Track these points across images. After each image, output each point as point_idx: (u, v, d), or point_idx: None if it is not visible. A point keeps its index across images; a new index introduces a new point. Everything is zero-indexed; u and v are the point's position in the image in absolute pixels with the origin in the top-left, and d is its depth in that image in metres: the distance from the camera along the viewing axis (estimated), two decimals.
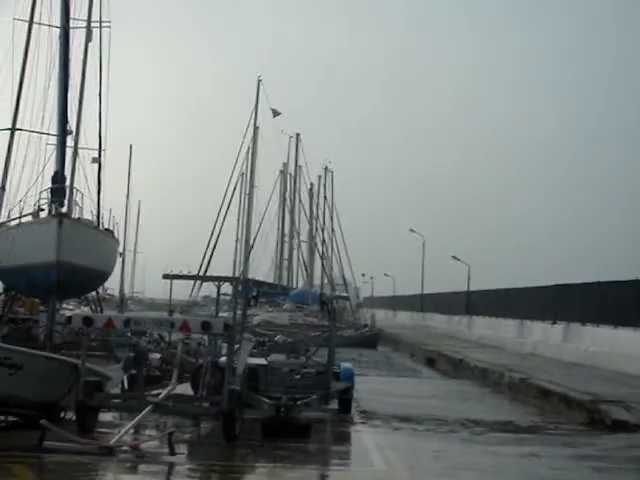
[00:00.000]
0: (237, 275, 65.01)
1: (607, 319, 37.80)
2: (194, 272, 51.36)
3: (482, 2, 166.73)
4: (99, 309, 31.81)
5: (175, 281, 26.54)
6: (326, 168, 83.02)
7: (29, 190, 30.33)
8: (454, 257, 79.32)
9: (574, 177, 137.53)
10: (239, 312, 22.23)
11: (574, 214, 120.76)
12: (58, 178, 29.75)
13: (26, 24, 29.10)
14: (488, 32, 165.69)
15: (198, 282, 49.10)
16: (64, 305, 32.26)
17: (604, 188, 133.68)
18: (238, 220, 75.42)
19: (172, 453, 15.39)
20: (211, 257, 68.45)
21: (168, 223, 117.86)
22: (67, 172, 30.16)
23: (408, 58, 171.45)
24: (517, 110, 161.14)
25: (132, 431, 16.39)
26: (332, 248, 79.08)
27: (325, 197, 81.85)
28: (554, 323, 44.51)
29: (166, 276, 25.53)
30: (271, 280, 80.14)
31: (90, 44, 33.81)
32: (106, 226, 33.88)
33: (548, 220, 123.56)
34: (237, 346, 19.45)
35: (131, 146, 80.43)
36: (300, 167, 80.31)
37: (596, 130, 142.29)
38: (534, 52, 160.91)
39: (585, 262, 76.61)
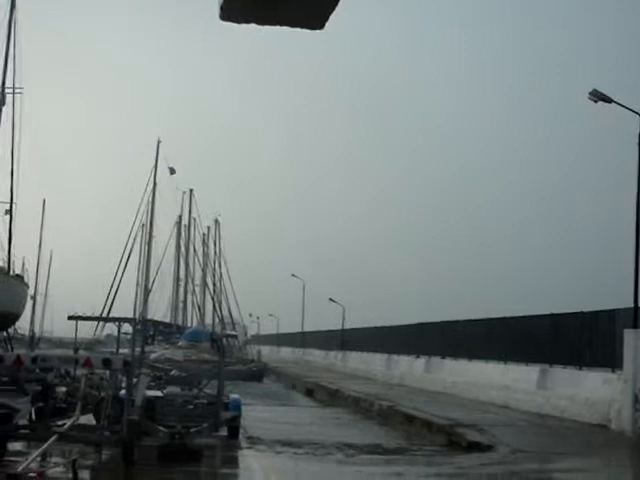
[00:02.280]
0: (136, 316, 64.16)
1: (462, 353, 38.43)
2: (98, 313, 50.69)
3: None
4: (10, 347, 31.15)
5: (80, 321, 26.20)
6: (216, 220, 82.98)
7: None
8: (331, 299, 79.95)
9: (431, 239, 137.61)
10: (138, 349, 21.96)
11: (431, 267, 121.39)
12: None
13: None
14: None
15: (101, 322, 48.53)
16: None
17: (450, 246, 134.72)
18: (138, 266, 74.67)
19: (75, 479, 15.11)
20: (114, 299, 67.32)
21: (76, 268, 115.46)
22: None
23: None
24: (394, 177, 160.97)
25: (39, 459, 15.97)
26: (222, 291, 78.78)
27: (215, 245, 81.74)
28: (417, 357, 45.01)
29: (71, 317, 25.14)
30: (168, 320, 79.25)
31: (4, 108, 33.41)
32: (17, 272, 33.36)
33: (410, 271, 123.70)
34: (136, 380, 19.25)
35: (44, 200, 78.73)
36: (194, 219, 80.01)
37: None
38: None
39: (443, 304, 77.36)
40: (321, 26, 3.84)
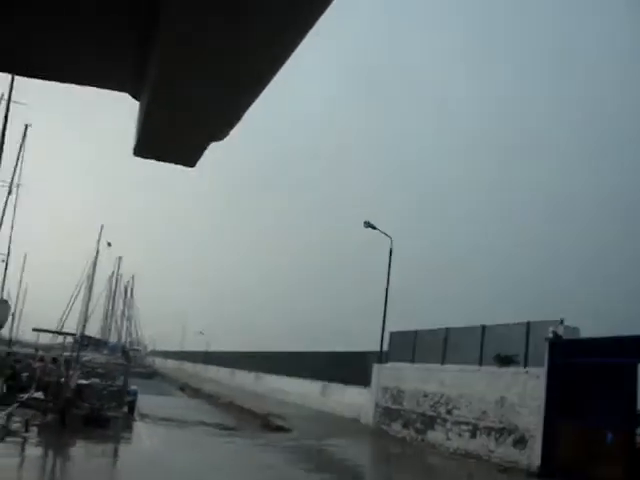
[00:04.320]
0: (77, 332, 61.06)
1: (277, 371, 38.46)
2: (55, 328, 48.06)
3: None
4: None
5: (41, 332, 25.05)
6: (133, 276, 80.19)
7: None
8: (200, 332, 78.86)
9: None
10: (75, 353, 21.14)
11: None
12: None
13: None
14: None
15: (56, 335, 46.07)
16: None
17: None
18: (82, 301, 71.23)
19: (27, 431, 14.44)
20: (65, 320, 63.89)
21: (45, 297, 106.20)
22: None
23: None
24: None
25: (5, 417, 15.20)
26: (132, 321, 76.35)
27: (132, 293, 79.03)
28: (249, 372, 44.69)
29: (35, 329, 24.13)
30: (98, 336, 75.47)
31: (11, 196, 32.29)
32: (4, 297, 31.92)
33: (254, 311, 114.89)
34: (72, 372, 18.58)
35: (25, 254, 73.26)
36: (121, 275, 77.31)
37: None
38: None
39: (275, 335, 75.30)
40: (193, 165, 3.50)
